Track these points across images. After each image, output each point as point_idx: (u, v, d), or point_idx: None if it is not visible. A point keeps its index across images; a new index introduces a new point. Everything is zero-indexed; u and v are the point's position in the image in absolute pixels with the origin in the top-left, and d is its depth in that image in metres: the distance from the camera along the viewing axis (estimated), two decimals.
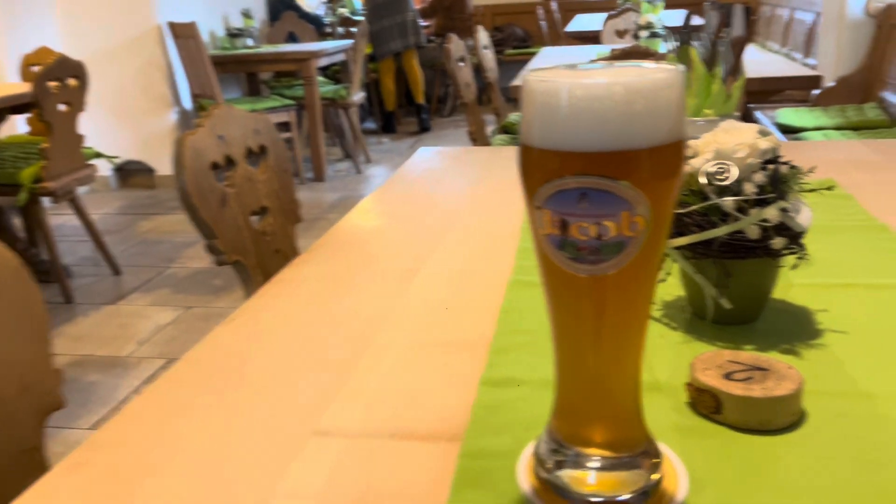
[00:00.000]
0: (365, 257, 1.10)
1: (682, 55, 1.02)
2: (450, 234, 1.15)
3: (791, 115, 3.17)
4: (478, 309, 0.88)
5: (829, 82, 3.51)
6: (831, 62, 3.65)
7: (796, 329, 0.77)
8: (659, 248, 0.50)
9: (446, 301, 0.91)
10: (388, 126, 6.42)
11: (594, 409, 0.55)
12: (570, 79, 0.47)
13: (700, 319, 0.80)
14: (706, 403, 0.63)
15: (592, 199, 0.47)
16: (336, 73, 5.99)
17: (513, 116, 3.31)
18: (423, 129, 6.35)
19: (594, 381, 0.54)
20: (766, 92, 2.89)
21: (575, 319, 0.53)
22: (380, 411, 0.67)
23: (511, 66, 6.51)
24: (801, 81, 2.69)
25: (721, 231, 0.73)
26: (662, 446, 0.59)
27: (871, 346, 0.73)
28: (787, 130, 3.04)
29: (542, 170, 0.49)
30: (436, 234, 1.16)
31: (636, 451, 0.55)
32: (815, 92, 3.50)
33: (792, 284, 0.86)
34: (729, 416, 0.62)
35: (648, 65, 0.50)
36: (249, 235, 1.36)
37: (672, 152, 0.48)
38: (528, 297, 0.88)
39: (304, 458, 0.61)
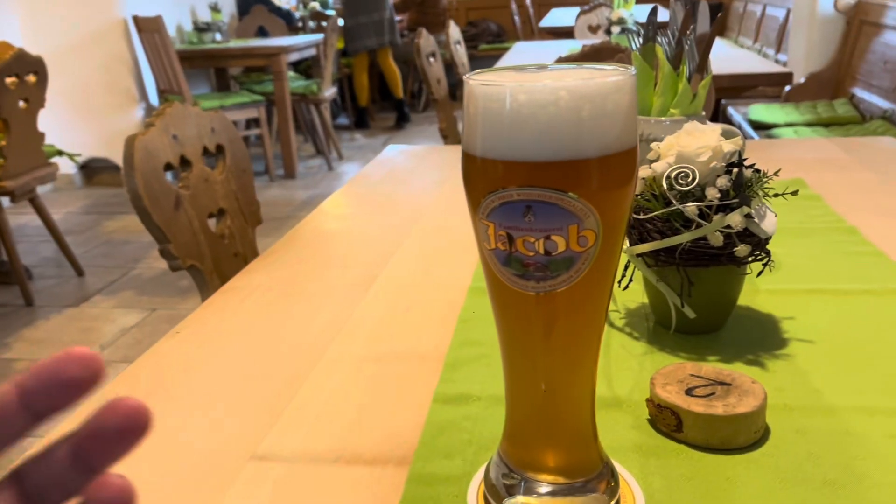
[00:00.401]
0: (322, 262, 1.06)
1: (646, 53, 0.99)
2: (411, 237, 1.12)
3: (763, 111, 3.17)
4: (436, 317, 0.84)
5: (799, 78, 3.52)
6: (802, 58, 3.66)
7: (761, 338, 0.75)
8: (611, 264, 0.47)
9: (404, 310, 0.88)
10: (360, 122, 6.36)
11: (545, 432, 0.52)
12: (514, 82, 0.44)
13: (663, 328, 0.77)
14: (667, 421, 0.60)
15: (538, 212, 0.43)
16: (307, 68, 5.92)
17: None
18: (404, 120, 6.30)
19: (544, 403, 0.51)
20: (739, 88, 2.88)
21: (523, 338, 0.50)
22: (325, 433, 0.64)
23: (484, 61, 6.48)
24: (772, 78, 2.68)
25: (683, 238, 0.70)
26: (619, 468, 0.56)
27: (836, 355, 0.71)
28: (759, 126, 3.04)
29: (485, 180, 0.45)
30: (397, 236, 1.12)
31: (591, 475, 0.52)
32: (787, 88, 3.51)
33: (758, 290, 0.84)
34: (690, 435, 0.59)
35: (603, 67, 0.47)
36: (206, 239, 1.31)
37: (623, 161, 0.45)
38: (488, 305, 0.84)
39: (240, 486, 0.57)
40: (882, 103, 2.98)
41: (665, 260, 0.72)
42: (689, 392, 0.61)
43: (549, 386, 0.50)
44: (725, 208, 0.70)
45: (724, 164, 0.72)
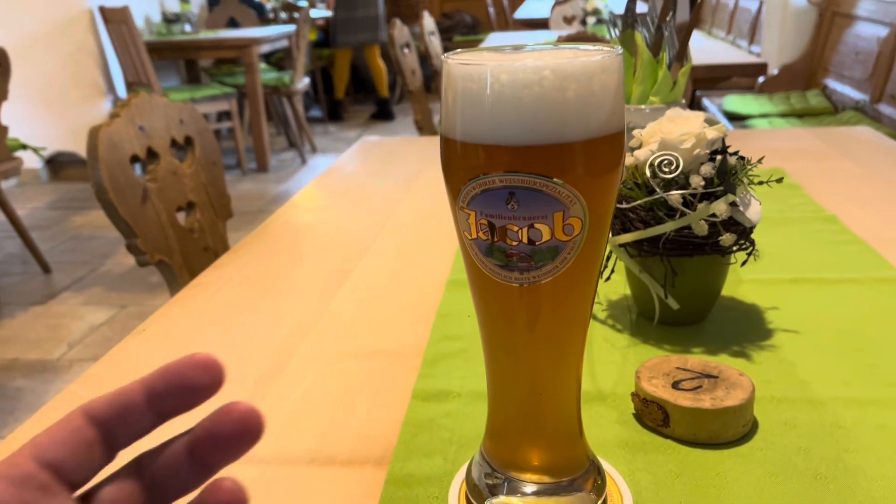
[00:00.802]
0: (295, 256, 1.03)
1: (625, 40, 0.97)
2: (386, 230, 1.09)
3: (737, 102, 3.18)
4: (413, 312, 0.82)
5: (772, 70, 3.54)
6: (775, 50, 3.68)
7: (746, 329, 0.73)
8: (597, 254, 0.45)
9: (380, 304, 0.85)
10: (333, 114, 6.29)
11: (530, 430, 0.50)
12: (495, 62, 0.41)
13: (647, 320, 0.75)
14: (653, 416, 0.58)
15: (522, 199, 0.41)
16: (279, 60, 5.84)
17: None
18: (388, 119, 6.22)
19: (529, 400, 0.49)
20: (714, 79, 2.89)
21: (506, 333, 0.47)
22: (299, 433, 0.61)
23: None
24: (748, 69, 2.69)
25: (667, 227, 0.68)
26: (606, 465, 0.54)
27: (821, 346, 0.70)
28: (734, 117, 3.05)
29: (465, 166, 0.43)
30: (373, 229, 1.10)
31: (577, 473, 0.50)
32: (761, 79, 3.53)
33: (741, 280, 0.82)
34: (677, 430, 0.57)
35: (585, 47, 0.44)
36: (174, 233, 1.28)
37: (610, 145, 0.43)
38: (467, 299, 0.81)
39: None
40: (854, 94, 3.00)
41: (648, 250, 0.70)
42: (675, 385, 0.59)
43: (533, 381, 0.48)
44: (710, 196, 0.68)
45: (707, 151, 0.71)
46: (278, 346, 0.75)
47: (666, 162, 0.68)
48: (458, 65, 0.42)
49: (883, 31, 2.87)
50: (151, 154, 1.26)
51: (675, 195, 0.68)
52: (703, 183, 0.68)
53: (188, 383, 0.29)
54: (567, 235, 0.42)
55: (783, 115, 2.95)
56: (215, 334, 0.79)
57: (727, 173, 0.68)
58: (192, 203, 1.34)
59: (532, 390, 0.48)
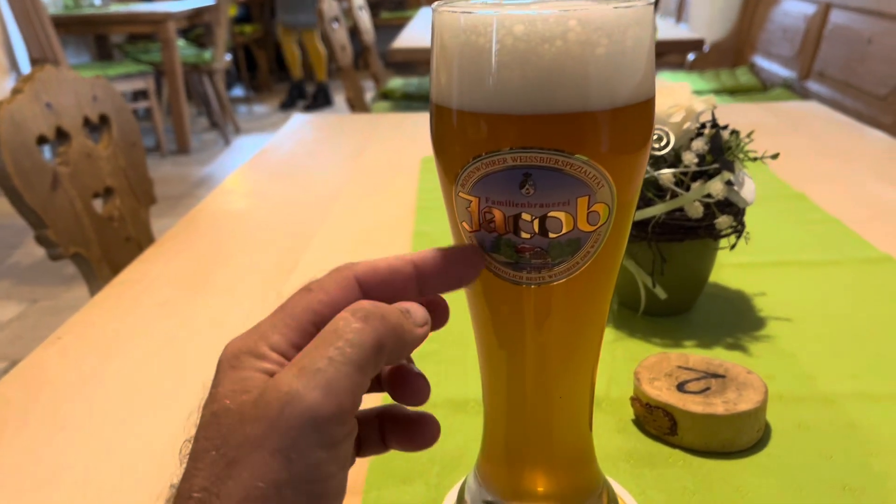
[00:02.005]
0: (231, 248, 0.92)
1: None
2: (333, 216, 1.00)
3: (670, 79, 3.18)
4: None
5: (705, 46, 3.56)
6: (704, 27, 3.70)
7: (736, 318, 0.68)
8: (621, 248, 0.38)
9: None
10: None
11: (538, 451, 0.43)
12: (503, 10, 0.33)
13: (630, 311, 0.69)
14: (658, 423, 0.52)
15: (538, 181, 0.33)
16: (198, 36, 5.57)
17: (393, 82, 3.14)
18: (327, 103, 5.82)
19: (537, 416, 0.41)
20: None
21: (512, 341, 0.40)
22: None
23: (386, 30, 6.28)
24: (684, 45, 2.68)
25: (658, 210, 0.61)
26: (615, 485, 0.47)
27: (818, 334, 0.65)
28: None
29: (465, 142, 0.35)
30: (316, 215, 1.00)
31: (588, 498, 0.43)
32: (691, 57, 3.54)
33: (722, 265, 0.77)
34: (686, 438, 0.51)
35: None
36: (91, 222, 1.15)
37: (641, 115, 0.35)
38: None
39: None
40: (782, 71, 3.04)
41: (636, 235, 0.64)
42: (681, 388, 0.53)
43: (542, 396, 0.40)
44: (702, 175, 0.62)
45: (696, 125, 0.64)
46: (215, 357, 0.66)
47: (656, 137, 0.62)
48: (458, 14, 0.34)
49: (810, 9, 2.90)
50: (61, 135, 1.13)
51: (666, 174, 0.61)
52: (696, 160, 0.62)
53: (451, 272, 0.34)
54: (591, 225, 0.35)
55: (715, 92, 2.96)
56: (143, 341, 0.69)
57: (722, 149, 0.62)
58: (111, 189, 1.21)
59: (541, 404, 0.41)
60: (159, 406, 0.59)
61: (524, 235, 0.35)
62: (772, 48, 3.23)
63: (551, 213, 0.34)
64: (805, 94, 2.79)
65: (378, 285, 0.33)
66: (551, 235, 0.34)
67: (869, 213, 0.91)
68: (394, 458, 0.51)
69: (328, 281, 0.32)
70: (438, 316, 0.35)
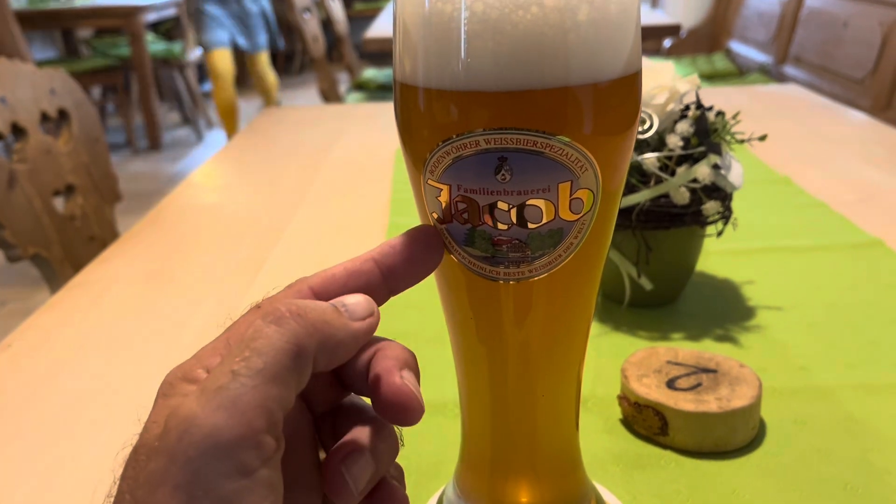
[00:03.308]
0: (196, 245, 0.88)
1: None
2: (303, 210, 0.96)
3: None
4: None
5: (682, 32, 3.54)
6: (679, 13, 3.69)
7: (725, 308, 0.65)
8: (607, 238, 0.35)
9: None
10: None
11: (520, 457, 0.40)
12: None
13: (615, 303, 0.66)
14: (648, 423, 0.49)
15: (515, 166, 0.30)
16: (168, 30, 5.47)
17: (367, 73, 3.09)
18: None
19: (518, 421, 0.38)
20: None
21: (489, 342, 0.36)
22: None
23: (359, 21, 6.22)
24: (660, 31, 2.65)
25: (642, 196, 0.58)
26: (603, 491, 0.44)
27: (811, 322, 0.62)
28: None
29: (433, 124, 0.31)
30: (286, 209, 0.96)
31: None
32: (667, 43, 3.53)
33: (708, 253, 0.74)
34: (677, 438, 0.48)
35: None
36: (51, 222, 1.10)
37: (628, 91, 0.32)
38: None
39: None
40: (758, 56, 3.04)
41: (619, 223, 0.60)
42: (670, 384, 0.50)
43: (524, 399, 0.37)
44: (688, 159, 0.59)
45: (680, 107, 0.61)
46: (182, 358, 0.62)
47: (639, 120, 0.58)
48: None
49: None
50: (17, 130, 1.08)
51: (650, 158, 0.58)
52: (681, 144, 0.58)
53: (413, 259, 0.31)
54: (574, 214, 0.31)
55: None
56: (101, 347, 0.65)
57: (708, 132, 0.59)
58: (72, 186, 1.16)
59: (522, 409, 0.38)
60: (115, 417, 0.55)
61: (501, 226, 0.31)
62: (748, 33, 3.22)
63: (530, 201, 0.31)
64: (782, 79, 2.79)
65: (339, 292, 0.30)
66: (530, 226, 0.31)
67: (855, 196, 0.89)
68: None
69: (280, 297, 0.29)
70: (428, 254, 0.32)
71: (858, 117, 1.26)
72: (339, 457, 0.28)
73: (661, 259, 0.62)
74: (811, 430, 0.49)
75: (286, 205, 0.98)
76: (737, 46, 3.29)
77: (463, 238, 0.32)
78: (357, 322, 0.28)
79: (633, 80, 0.32)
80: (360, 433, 0.29)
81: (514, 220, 0.31)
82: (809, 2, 2.70)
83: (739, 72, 3.02)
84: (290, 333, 0.25)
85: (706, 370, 0.51)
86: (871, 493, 0.44)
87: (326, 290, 0.29)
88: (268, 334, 0.25)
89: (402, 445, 0.32)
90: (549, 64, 0.29)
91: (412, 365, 0.30)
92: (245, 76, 4.93)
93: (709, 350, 0.58)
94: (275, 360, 0.24)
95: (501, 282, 0.33)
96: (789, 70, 2.77)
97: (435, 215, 0.33)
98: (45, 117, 1.13)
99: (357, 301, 0.29)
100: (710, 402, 0.48)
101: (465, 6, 0.29)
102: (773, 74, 2.87)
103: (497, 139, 0.30)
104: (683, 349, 0.53)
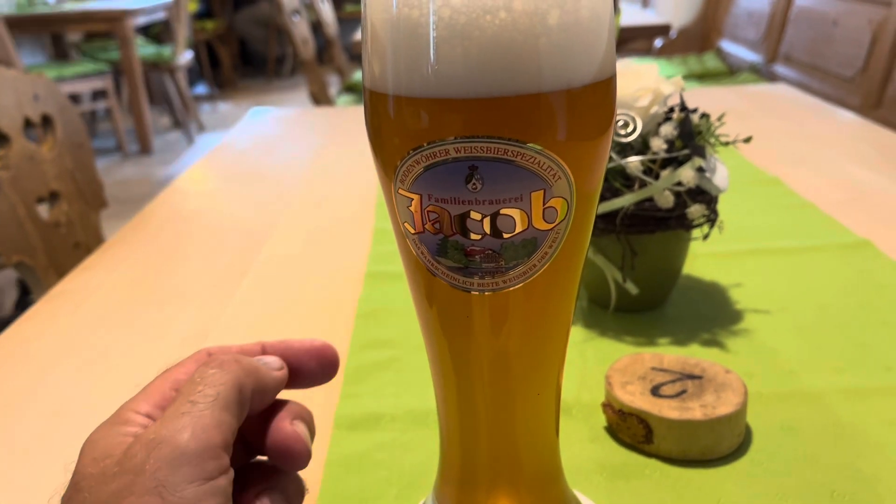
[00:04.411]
0: (180, 252, 0.87)
1: None
2: (288, 215, 0.95)
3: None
4: (327, 314, 0.69)
5: (672, 32, 3.54)
6: (670, 13, 3.69)
7: (712, 311, 0.64)
8: (583, 247, 0.34)
9: (287, 306, 0.72)
10: None
11: (498, 470, 0.39)
12: None
13: (600, 308, 0.65)
14: (633, 431, 0.48)
15: (486, 175, 0.29)
16: (158, 33, 5.45)
17: (358, 75, 3.08)
18: None
19: (496, 434, 0.37)
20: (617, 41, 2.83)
21: (464, 353, 0.35)
22: None
23: (350, 23, 6.21)
24: (650, 31, 2.65)
25: (626, 200, 0.58)
26: (586, 501, 0.43)
27: (799, 325, 0.62)
28: None
29: (403, 132, 0.30)
30: (271, 215, 0.95)
31: None
32: (658, 43, 3.53)
33: (695, 255, 0.74)
34: (662, 446, 0.47)
35: None
36: (35, 229, 1.09)
37: (602, 96, 0.31)
38: (391, 294, 0.70)
39: None
40: (749, 55, 3.04)
41: (603, 228, 0.60)
42: (655, 392, 0.49)
43: (502, 409, 0.36)
44: (672, 162, 0.59)
45: (664, 109, 0.61)
46: (163, 368, 0.61)
47: (622, 123, 0.58)
48: None
49: None
50: (0, 137, 1.06)
51: (633, 162, 0.58)
52: (665, 146, 0.58)
53: (303, 370, 0.34)
54: (548, 223, 0.31)
55: (683, 78, 2.95)
56: (80, 359, 0.64)
57: (692, 134, 0.58)
58: (56, 193, 1.15)
59: (500, 421, 0.37)
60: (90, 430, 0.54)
61: (473, 237, 0.30)
62: (738, 32, 3.22)
63: (503, 211, 0.30)
64: (772, 78, 2.79)
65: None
66: (504, 236, 0.30)
67: (844, 197, 0.88)
68: (347, 479, 0.47)
69: (185, 360, 0.33)
70: (327, 365, 0.35)
71: (847, 116, 1.26)
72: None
73: (647, 263, 0.62)
74: (798, 436, 0.49)
75: (273, 209, 0.97)
76: (727, 46, 3.29)
77: (435, 248, 0.31)
78: (276, 371, 0.33)
79: (606, 85, 0.31)
80: (270, 481, 0.33)
81: (487, 230, 0.30)
82: (799, 1, 2.70)
83: (730, 71, 3.02)
84: (232, 374, 0.30)
85: (691, 376, 0.50)
86: (859, 500, 0.43)
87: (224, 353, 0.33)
88: (214, 373, 0.30)
89: (307, 491, 0.34)
90: (520, 70, 0.28)
91: (307, 418, 0.33)
92: None
93: (695, 355, 0.58)
94: (224, 392, 0.29)
95: (475, 293, 0.32)
96: (780, 69, 2.77)
97: (407, 225, 0.32)
98: (28, 123, 1.12)
99: (270, 358, 0.33)
100: (695, 410, 0.47)
101: (433, 11, 0.28)
102: (763, 73, 2.87)
103: (467, 147, 0.29)
104: (669, 355, 0.53)
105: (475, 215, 0.30)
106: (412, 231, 0.32)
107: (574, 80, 0.29)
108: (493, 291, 0.32)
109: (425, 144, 0.29)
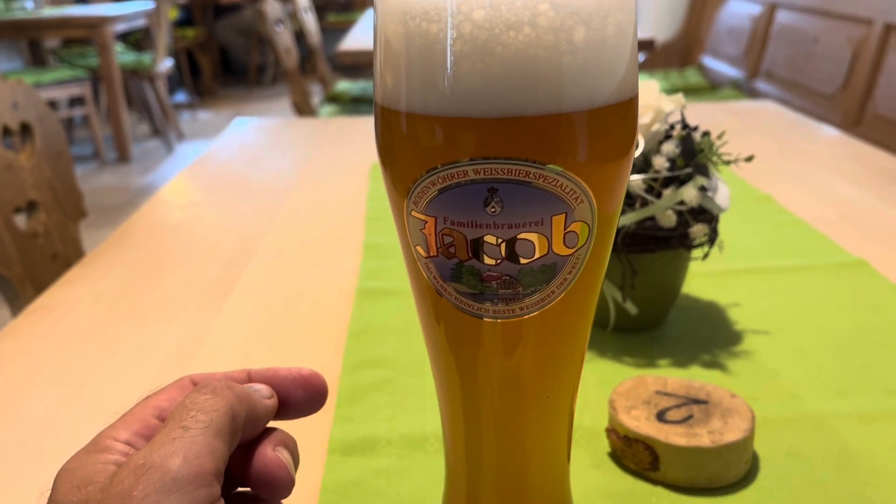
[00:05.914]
0: (164, 265, 0.85)
1: None
2: (275, 228, 0.93)
3: None
4: (318, 331, 0.67)
5: (655, 46, 3.57)
6: (650, 28, 3.72)
7: (712, 332, 0.63)
8: (601, 272, 0.32)
9: (275, 322, 0.70)
10: None
11: (506, 500, 0.37)
12: None
13: (599, 328, 0.64)
14: (638, 457, 0.47)
15: (505, 197, 0.28)
16: (137, 40, 5.40)
17: (341, 85, 3.07)
18: None
19: (506, 464, 0.36)
20: None
21: (476, 380, 0.34)
22: None
23: (333, 33, 6.19)
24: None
25: (628, 219, 0.57)
26: None
27: (799, 347, 0.61)
28: None
29: (418, 152, 0.29)
30: (258, 227, 0.93)
31: None
32: (641, 58, 3.55)
33: (693, 274, 0.73)
34: (669, 473, 0.46)
35: None
36: (12, 240, 1.05)
37: (623, 116, 0.30)
38: (383, 311, 0.68)
39: None
40: (730, 71, 3.07)
41: None
42: (661, 417, 0.48)
43: (511, 439, 0.35)
44: (674, 181, 0.58)
45: (665, 127, 0.60)
46: (146, 388, 0.59)
47: None
48: None
49: (756, 9, 2.93)
50: None
51: (635, 180, 0.57)
52: (667, 165, 0.57)
53: (290, 400, 0.33)
54: (569, 248, 0.29)
55: (666, 93, 2.97)
56: (60, 377, 0.61)
57: (695, 153, 0.57)
58: (35, 203, 1.12)
59: (509, 450, 0.35)
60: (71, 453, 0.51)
61: (489, 262, 0.29)
62: (719, 48, 3.26)
63: (521, 235, 0.28)
64: (753, 94, 2.81)
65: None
66: (522, 261, 0.29)
67: (836, 214, 0.88)
68: None
69: (167, 387, 0.32)
70: (315, 396, 0.33)
71: (833, 133, 1.26)
72: None
73: (647, 283, 0.60)
74: (805, 462, 0.48)
75: (259, 222, 0.95)
76: (709, 61, 3.32)
77: (449, 273, 0.30)
78: (267, 400, 0.31)
79: (629, 105, 0.30)
80: None
81: (504, 255, 0.29)
82: (780, 17, 2.73)
83: (712, 86, 3.04)
84: (225, 400, 0.29)
85: (697, 401, 0.49)
86: None
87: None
88: (207, 399, 0.28)
89: None
90: (542, 88, 0.27)
91: (290, 445, 0.32)
92: None
93: (697, 377, 0.57)
94: (218, 418, 0.28)
95: (488, 320, 0.31)
96: (761, 85, 2.80)
97: (419, 248, 0.30)
98: (6, 131, 1.09)
99: (260, 386, 0.32)
100: (703, 436, 0.46)
101: (452, 25, 0.27)
102: (744, 89, 2.89)
103: (486, 169, 0.27)
104: (672, 378, 0.51)
105: (491, 239, 0.29)
106: (424, 255, 0.30)
107: (597, 99, 0.28)
108: (506, 319, 0.30)
109: (440, 165, 0.28)
